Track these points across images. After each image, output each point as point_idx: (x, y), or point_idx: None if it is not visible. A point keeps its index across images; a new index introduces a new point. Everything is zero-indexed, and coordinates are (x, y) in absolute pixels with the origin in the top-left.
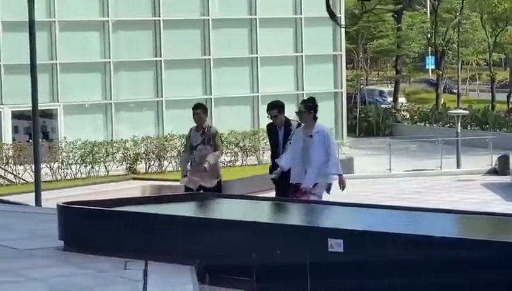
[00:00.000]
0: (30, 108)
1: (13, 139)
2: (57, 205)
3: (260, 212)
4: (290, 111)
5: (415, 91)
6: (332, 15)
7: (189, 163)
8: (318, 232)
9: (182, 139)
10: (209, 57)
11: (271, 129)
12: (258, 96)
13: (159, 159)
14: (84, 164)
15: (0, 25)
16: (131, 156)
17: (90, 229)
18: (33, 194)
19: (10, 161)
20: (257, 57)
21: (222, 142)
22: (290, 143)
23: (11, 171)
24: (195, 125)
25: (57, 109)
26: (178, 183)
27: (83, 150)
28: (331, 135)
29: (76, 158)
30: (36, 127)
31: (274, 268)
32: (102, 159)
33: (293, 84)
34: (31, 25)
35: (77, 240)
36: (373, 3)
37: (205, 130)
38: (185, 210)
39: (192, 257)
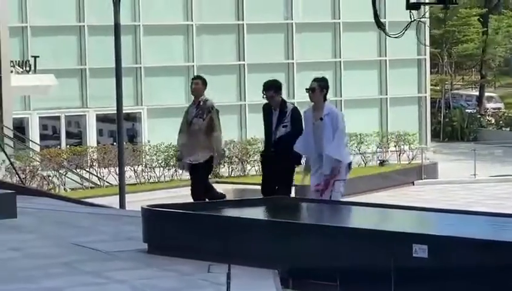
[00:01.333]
0: (115, 111)
1: (98, 142)
2: (142, 208)
3: (341, 216)
4: (373, 117)
5: (502, 96)
6: (380, 24)
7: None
8: (402, 237)
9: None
10: (292, 61)
11: (266, 110)
12: (341, 100)
13: (242, 163)
14: (167, 167)
15: (86, 29)
16: None
17: (174, 232)
18: (117, 196)
19: (94, 164)
20: (340, 61)
21: (219, 121)
22: (283, 126)
23: (95, 174)
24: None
25: (141, 112)
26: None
27: (166, 153)
28: (342, 118)
29: (159, 161)
30: (120, 130)
31: (358, 272)
32: None
33: (377, 88)
34: (117, 29)
35: (161, 243)
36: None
37: (201, 103)
38: (268, 213)
39: (275, 261)
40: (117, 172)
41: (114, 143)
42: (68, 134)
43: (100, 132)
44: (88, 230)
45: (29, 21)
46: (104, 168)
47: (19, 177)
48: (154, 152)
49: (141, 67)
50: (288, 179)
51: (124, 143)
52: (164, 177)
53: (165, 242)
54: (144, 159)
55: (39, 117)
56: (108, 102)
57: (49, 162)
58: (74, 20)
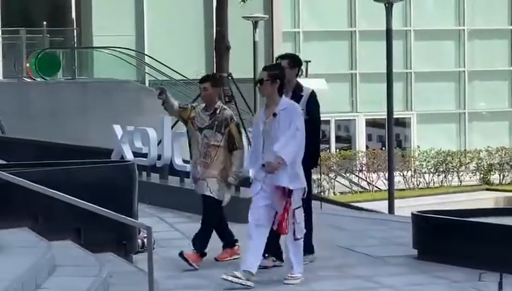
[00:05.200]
0: (384, 116)
1: (366, 147)
2: (412, 213)
3: None
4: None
5: None
6: None
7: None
8: None
9: None
10: None
11: None
12: None
13: None
14: (436, 173)
15: (357, 34)
16: (485, 166)
17: (444, 238)
18: (386, 201)
19: (363, 168)
20: None
21: (241, 134)
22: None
23: (364, 178)
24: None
25: (410, 117)
26: None
27: (436, 159)
28: (301, 113)
29: (429, 167)
30: (390, 135)
31: None
32: (455, 169)
33: None
34: (389, 34)
35: (431, 249)
36: None
37: (217, 112)
38: None
39: None
40: (387, 177)
41: (383, 148)
42: (338, 139)
43: (369, 137)
44: (358, 234)
45: (301, 26)
46: (373, 173)
47: None
48: (424, 158)
49: (411, 72)
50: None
51: (394, 148)
52: (433, 183)
53: (436, 249)
54: (413, 165)
55: None
56: (377, 107)
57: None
58: (346, 25)
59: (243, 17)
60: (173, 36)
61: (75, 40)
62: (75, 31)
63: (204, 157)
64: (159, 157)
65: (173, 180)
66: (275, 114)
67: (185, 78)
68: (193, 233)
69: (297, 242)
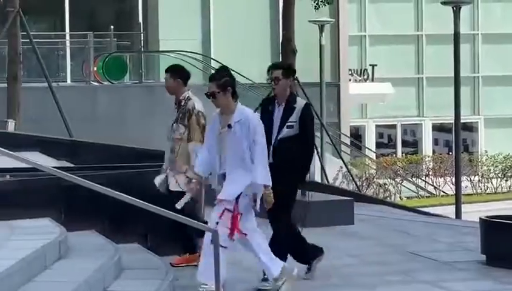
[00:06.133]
0: (451, 121)
1: (433, 151)
2: (480, 218)
3: None
4: None
5: None
6: None
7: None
8: None
9: None
10: None
11: (266, 105)
12: None
13: None
14: (504, 178)
15: (424, 38)
16: None
17: None
18: (453, 206)
19: (430, 173)
20: None
21: (200, 126)
22: (288, 126)
23: (431, 183)
24: None
25: (477, 122)
26: None
27: (504, 164)
28: (259, 124)
29: (496, 172)
30: (457, 139)
31: None
32: None
33: None
34: (456, 38)
35: (499, 255)
36: None
37: (182, 103)
38: None
39: None
40: (454, 182)
41: (450, 153)
42: (404, 143)
43: (435, 141)
44: (425, 239)
45: (367, 30)
46: (440, 177)
47: (356, 184)
48: (491, 163)
49: (478, 76)
50: (286, 202)
51: (460, 153)
52: (501, 188)
53: (504, 254)
54: (480, 169)
55: (375, 125)
56: (444, 111)
57: (385, 170)
58: (412, 29)
59: (309, 21)
60: (239, 40)
61: (142, 44)
62: (142, 35)
63: (171, 152)
64: None
65: None
66: (229, 126)
67: (251, 82)
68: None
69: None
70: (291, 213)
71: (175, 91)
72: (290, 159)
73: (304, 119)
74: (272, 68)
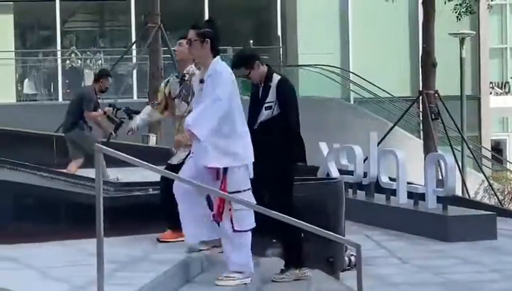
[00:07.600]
0: None
1: None
2: None
3: None
4: None
5: None
6: None
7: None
8: None
9: None
10: None
11: (254, 85)
12: None
13: None
14: None
15: (508, 52)
16: None
17: None
18: None
19: None
20: None
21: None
22: (266, 108)
23: None
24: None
25: None
26: None
27: None
28: (223, 79)
29: None
30: None
31: None
32: None
33: None
34: None
35: None
36: None
37: (185, 77)
38: None
39: None
40: None
41: None
42: None
43: None
44: None
45: (508, 42)
46: None
47: (498, 198)
48: None
49: None
50: (277, 187)
51: None
52: None
53: None
54: None
55: None
56: None
57: None
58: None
59: (450, 33)
60: (377, 53)
61: (281, 58)
62: (281, 49)
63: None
64: (365, 175)
65: (380, 198)
66: (202, 81)
67: (390, 95)
68: (400, 251)
69: (236, 234)
70: (291, 198)
71: (185, 58)
72: (271, 141)
73: (280, 97)
74: (234, 66)
